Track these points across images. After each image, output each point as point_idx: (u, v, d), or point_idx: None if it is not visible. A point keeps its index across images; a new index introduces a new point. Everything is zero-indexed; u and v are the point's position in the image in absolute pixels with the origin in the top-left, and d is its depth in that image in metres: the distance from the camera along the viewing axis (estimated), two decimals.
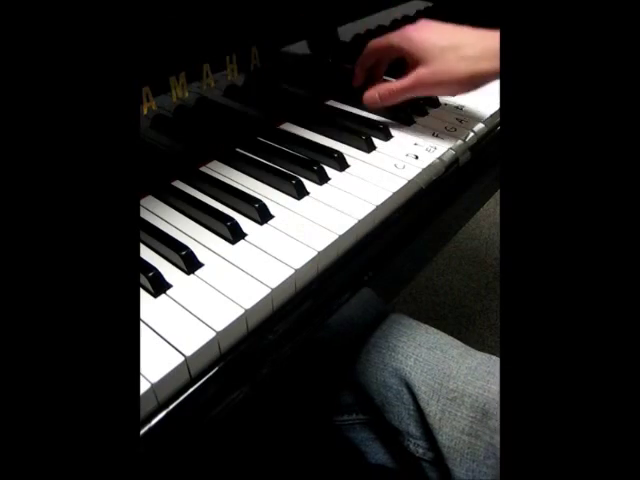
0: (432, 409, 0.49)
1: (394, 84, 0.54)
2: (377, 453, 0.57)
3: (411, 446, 0.52)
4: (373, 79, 0.62)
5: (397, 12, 0.70)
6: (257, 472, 0.57)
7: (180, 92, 0.47)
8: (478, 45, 0.50)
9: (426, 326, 0.58)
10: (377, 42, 0.57)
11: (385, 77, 0.66)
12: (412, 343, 0.54)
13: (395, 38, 0.55)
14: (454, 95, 0.60)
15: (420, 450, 0.51)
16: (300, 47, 0.58)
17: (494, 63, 0.50)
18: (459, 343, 0.55)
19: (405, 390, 0.52)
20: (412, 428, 0.52)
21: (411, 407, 0.52)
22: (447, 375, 0.50)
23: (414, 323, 0.58)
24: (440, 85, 0.52)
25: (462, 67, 0.51)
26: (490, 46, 0.50)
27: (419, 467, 0.52)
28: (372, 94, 0.56)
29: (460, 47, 0.51)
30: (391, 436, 0.54)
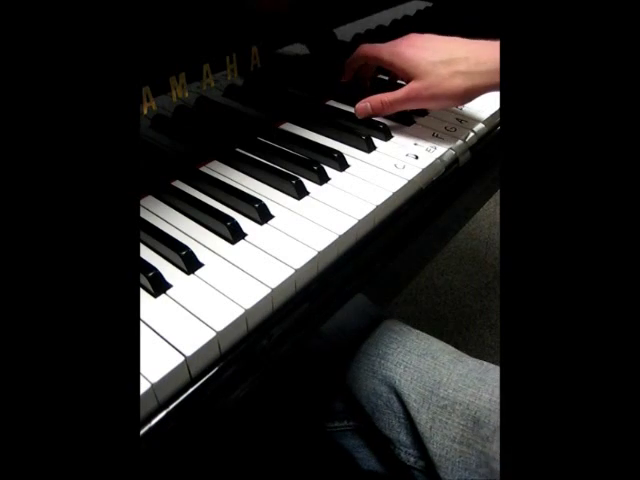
0: (422, 417, 0.48)
1: (386, 96, 0.54)
2: (369, 460, 0.56)
3: (402, 454, 0.51)
4: (361, 78, 0.62)
5: (397, 12, 0.70)
6: (252, 476, 0.57)
7: (180, 92, 0.47)
8: (471, 60, 0.50)
9: (417, 332, 0.56)
10: (367, 50, 0.56)
11: (381, 76, 0.66)
12: (402, 350, 0.53)
13: (385, 53, 0.54)
14: (447, 107, 0.59)
15: (411, 459, 0.51)
16: (300, 47, 0.58)
17: (487, 78, 0.49)
18: (451, 348, 0.54)
19: (395, 398, 0.51)
20: (402, 436, 0.51)
21: (401, 415, 0.51)
22: (437, 382, 0.49)
23: (405, 329, 0.57)
24: (433, 99, 0.52)
25: (456, 83, 0.50)
26: (483, 60, 0.49)
27: (411, 475, 0.51)
28: (364, 105, 0.55)
29: (453, 62, 0.50)
30: (382, 444, 0.54)
